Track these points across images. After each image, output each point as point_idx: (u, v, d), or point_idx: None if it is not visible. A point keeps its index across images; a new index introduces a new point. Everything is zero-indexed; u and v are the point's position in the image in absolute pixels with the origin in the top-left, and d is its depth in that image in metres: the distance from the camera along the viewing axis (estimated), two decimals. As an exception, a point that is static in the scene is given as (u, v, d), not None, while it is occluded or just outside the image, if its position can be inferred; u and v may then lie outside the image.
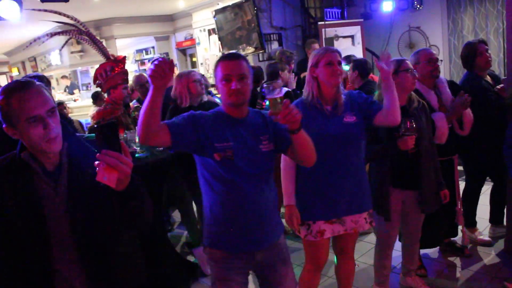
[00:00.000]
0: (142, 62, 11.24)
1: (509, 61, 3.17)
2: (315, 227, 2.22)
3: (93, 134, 2.93)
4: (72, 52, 9.29)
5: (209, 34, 8.14)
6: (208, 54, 8.36)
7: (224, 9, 7.14)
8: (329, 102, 2.20)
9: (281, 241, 1.97)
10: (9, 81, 14.34)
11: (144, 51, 11.26)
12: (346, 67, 3.80)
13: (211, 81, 7.75)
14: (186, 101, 3.15)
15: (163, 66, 1.49)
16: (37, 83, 1.37)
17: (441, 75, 3.03)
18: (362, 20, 6.78)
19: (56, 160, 1.42)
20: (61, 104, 5.69)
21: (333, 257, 2.53)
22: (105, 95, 3.42)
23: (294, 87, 4.32)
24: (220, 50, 7.71)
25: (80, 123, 5.33)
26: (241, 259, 1.88)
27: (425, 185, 2.52)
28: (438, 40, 6.60)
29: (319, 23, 6.65)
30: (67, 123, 3.67)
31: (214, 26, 7.54)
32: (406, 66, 2.47)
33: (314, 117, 2.17)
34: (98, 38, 3.50)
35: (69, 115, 6.09)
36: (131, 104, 3.90)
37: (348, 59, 4.10)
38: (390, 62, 2.15)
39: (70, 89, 10.85)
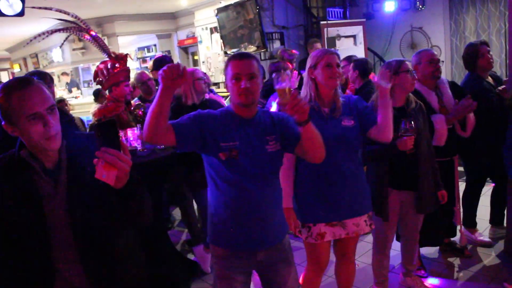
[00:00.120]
0: (144, 60, 11.24)
1: (511, 62, 3.17)
2: (315, 230, 2.22)
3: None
4: (74, 49, 9.29)
5: (211, 32, 8.14)
6: (210, 52, 8.36)
7: (226, 7, 7.14)
8: (327, 104, 2.20)
9: (285, 241, 1.97)
10: (11, 77, 14.35)
11: (146, 49, 11.25)
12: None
13: (213, 79, 7.77)
14: (191, 99, 3.13)
15: (175, 69, 1.48)
16: (37, 80, 1.37)
17: (443, 76, 3.03)
18: (364, 20, 6.78)
19: (56, 158, 1.41)
20: (62, 101, 5.68)
21: (333, 257, 2.53)
22: (107, 92, 3.42)
23: (297, 86, 4.32)
24: (222, 49, 7.71)
25: (82, 121, 5.32)
26: (243, 258, 1.88)
27: (422, 185, 2.53)
28: (440, 41, 6.59)
29: (321, 22, 6.64)
30: (68, 121, 3.67)
31: (216, 24, 7.54)
32: (406, 67, 2.48)
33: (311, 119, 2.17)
34: (100, 35, 3.50)
35: (70, 112, 6.09)
36: (132, 101, 3.90)
37: (349, 59, 4.10)
38: (388, 80, 2.14)
39: (69, 87, 10.81)
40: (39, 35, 3.34)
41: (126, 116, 3.39)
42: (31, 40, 3.65)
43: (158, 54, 9.23)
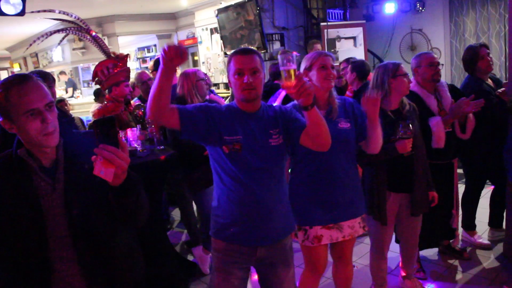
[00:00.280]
0: (143, 60, 11.25)
1: (511, 65, 3.17)
2: (312, 232, 2.21)
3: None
4: (74, 49, 9.30)
5: (211, 33, 8.15)
6: (210, 53, 8.36)
7: (226, 8, 7.14)
8: (322, 107, 2.18)
9: (287, 241, 1.97)
10: (10, 77, 14.34)
11: (146, 49, 11.27)
12: None
13: (213, 80, 7.77)
14: (194, 100, 3.13)
15: (174, 49, 1.48)
16: (35, 77, 1.37)
17: (442, 79, 3.03)
18: (364, 21, 6.79)
19: (53, 156, 1.41)
20: (62, 101, 5.67)
21: (332, 258, 2.53)
22: (106, 92, 3.42)
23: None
24: (222, 49, 7.71)
25: (81, 120, 5.31)
26: (242, 253, 1.89)
27: (418, 187, 2.54)
28: (440, 43, 6.60)
29: (322, 24, 6.65)
30: (68, 121, 3.67)
31: (216, 25, 7.55)
32: (403, 70, 2.50)
33: None
34: (100, 35, 3.50)
35: (70, 112, 6.08)
36: (132, 102, 3.90)
37: (349, 61, 4.10)
38: (377, 103, 2.13)
39: (66, 86, 10.74)
40: (39, 38, 3.35)
41: (126, 116, 3.40)
42: (30, 45, 3.66)
43: (158, 54, 9.23)
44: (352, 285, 2.53)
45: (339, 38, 6.62)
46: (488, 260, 3.25)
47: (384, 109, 2.47)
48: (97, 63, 3.39)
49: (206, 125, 1.76)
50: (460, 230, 3.47)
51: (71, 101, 8.43)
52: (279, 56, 1.61)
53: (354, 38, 6.65)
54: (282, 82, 1.61)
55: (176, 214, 4.66)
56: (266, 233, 1.86)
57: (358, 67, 3.79)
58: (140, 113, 3.37)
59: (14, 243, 1.36)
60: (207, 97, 3.33)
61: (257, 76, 1.77)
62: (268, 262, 1.93)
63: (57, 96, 7.04)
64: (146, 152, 3.02)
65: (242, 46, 6.82)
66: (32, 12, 3.26)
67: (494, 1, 6.01)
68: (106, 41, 5.30)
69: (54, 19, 3.38)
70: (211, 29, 8.14)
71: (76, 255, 1.41)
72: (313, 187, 2.19)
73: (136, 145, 3.04)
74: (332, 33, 6.51)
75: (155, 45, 10.50)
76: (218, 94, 4.70)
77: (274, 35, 7.05)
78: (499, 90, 3.23)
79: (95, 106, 4.92)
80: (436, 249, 3.35)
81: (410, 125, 2.37)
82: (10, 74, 14.24)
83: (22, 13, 4.14)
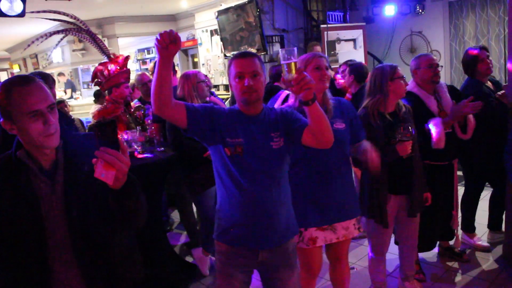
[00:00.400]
0: (143, 62, 11.25)
1: (510, 67, 3.18)
2: (307, 234, 2.21)
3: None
4: (74, 50, 9.29)
5: (211, 35, 8.16)
6: (210, 55, 8.37)
7: (226, 10, 7.15)
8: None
9: (289, 245, 1.96)
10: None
11: (145, 51, 11.28)
12: None
13: (212, 81, 7.77)
14: (195, 101, 3.13)
15: (167, 36, 1.50)
16: (38, 79, 1.38)
17: (442, 80, 3.04)
18: (364, 24, 6.80)
19: (52, 158, 1.41)
20: (61, 102, 5.67)
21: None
22: (106, 93, 3.42)
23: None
24: (222, 51, 7.72)
25: (81, 122, 5.32)
26: (244, 256, 1.89)
27: (417, 188, 2.56)
28: (440, 45, 6.61)
29: (322, 26, 6.65)
30: (68, 123, 3.67)
31: (216, 27, 7.55)
32: (399, 73, 2.52)
33: None
34: (100, 36, 3.50)
35: (70, 113, 6.08)
36: (132, 103, 3.90)
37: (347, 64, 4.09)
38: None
39: (65, 88, 10.70)
40: (38, 39, 3.35)
41: (126, 118, 3.40)
42: (28, 45, 3.66)
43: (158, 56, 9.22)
44: (350, 287, 2.53)
45: (339, 40, 6.62)
46: (488, 262, 3.26)
47: (382, 112, 2.48)
48: (97, 64, 3.39)
49: (210, 124, 1.78)
50: (460, 232, 3.47)
51: (70, 102, 8.43)
52: (280, 51, 1.63)
53: (354, 40, 6.66)
54: (284, 76, 1.61)
55: (175, 215, 4.66)
56: (268, 236, 1.86)
57: (356, 69, 3.78)
58: (140, 114, 3.38)
59: (13, 244, 1.36)
60: (207, 98, 3.33)
61: (258, 79, 1.78)
62: (271, 265, 1.93)
63: (57, 97, 7.05)
64: (146, 154, 3.02)
65: (242, 48, 6.89)
66: (32, 12, 3.26)
67: (494, 4, 6.02)
68: (106, 43, 5.29)
69: (54, 19, 3.38)
70: (211, 31, 8.14)
71: (75, 257, 1.41)
72: (308, 188, 2.19)
73: (136, 147, 3.04)
74: (332, 35, 6.51)
75: (155, 47, 10.50)
76: (218, 96, 4.70)
77: (274, 37, 7.05)
78: (499, 93, 3.24)
79: (94, 108, 4.93)
80: (435, 251, 3.35)
81: (410, 127, 2.38)
82: (9, 75, 14.25)
83: (22, 14, 4.14)
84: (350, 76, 3.79)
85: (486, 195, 3.59)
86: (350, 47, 6.66)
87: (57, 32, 3.35)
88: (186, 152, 3.07)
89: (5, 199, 1.35)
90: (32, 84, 1.34)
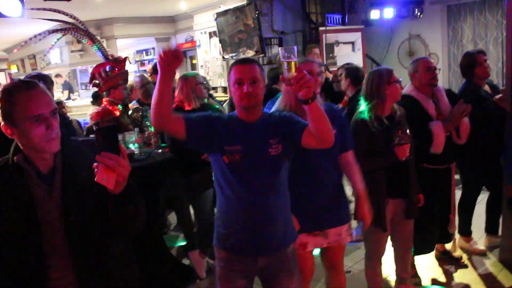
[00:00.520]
0: (142, 63, 11.24)
1: (508, 71, 3.19)
2: (297, 240, 2.17)
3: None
4: (72, 51, 9.29)
5: (210, 36, 8.15)
6: (208, 56, 8.37)
7: (225, 12, 7.15)
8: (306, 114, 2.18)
9: (289, 251, 1.96)
10: (8, 78, 14.30)
11: (144, 52, 11.27)
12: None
13: (211, 83, 7.77)
14: (193, 103, 3.12)
15: (169, 54, 1.51)
16: (41, 84, 1.38)
17: (440, 84, 3.04)
18: (363, 26, 6.81)
19: (51, 163, 1.41)
20: (59, 104, 5.66)
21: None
22: (104, 94, 3.41)
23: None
24: (220, 53, 7.72)
25: (79, 123, 5.31)
26: (244, 263, 1.90)
27: (413, 190, 2.58)
28: (438, 49, 6.62)
29: (320, 28, 6.66)
30: (66, 124, 3.66)
31: (215, 28, 7.55)
32: (395, 77, 2.53)
33: None
34: (98, 38, 3.49)
35: (67, 114, 6.06)
36: (130, 104, 3.90)
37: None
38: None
39: (62, 89, 10.67)
40: (35, 36, 3.34)
41: (124, 120, 3.40)
42: (22, 45, 3.65)
43: (156, 57, 9.22)
44: (348, 291, 2.53)
45: (337, 42, 6.63)
46: (484, 266, 3.26)
47: (380, 116, 2.48)
48: (95, 65, 3.38)
49: (209, 134, 1.80)
50: (457, 236, 3.47)
51: (68, 103, 8.42)
52: (280, 49, 1.64)
53: (352, 43, 6.67)
54: (284, 75, 1.62)
55: (172, 217, 4.65)
56: (266, 242, 1.87)
57: (352, 73, 3.76)
58: (138, 116, 3.37)
59: (10, 250, 1.35)
60: (205, 100, 3.33)
61: (257, 86, 1.78)
62: (270, 271, 1.93)
63: (55, 98, 7.02)
64: (143, 156, 3.02)
65: (241, 50, 6.89)
66: (32, 9, 3.24)
67: (492, 8, 6.04)
68: (104, 44, 5.28)
69: (52, 20, 3.36)
70: (209, 33, 8.14)
71: (73, 263, 1.41)
72: (298, 194, 2.15)
73: (133, 149, 3.04)
74: (330, 37, 6.52)
75: (153, 48, 10.49)
76: (217, 98, 4.70)
77: (272, 39, 7.05)
78: (497, 97, 3.25)
79: (92, 109, 4.92)
80: (432, 255, 3.35)
81: (408, 131, 2.38)
82: (7, 76, 14.22)
83: (20, 14, 4.13)
84: (346, 79, 3.77)
85: (483, 198, 3.60)
86: (348, 49, 6.67)
87: (55, 31, 3.34)
88: (184, 154, 3.07)
89: (2, 203, 1.34)
90: (36, 89, 1.34)
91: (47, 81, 3.02)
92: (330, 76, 4.88)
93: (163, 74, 1.58)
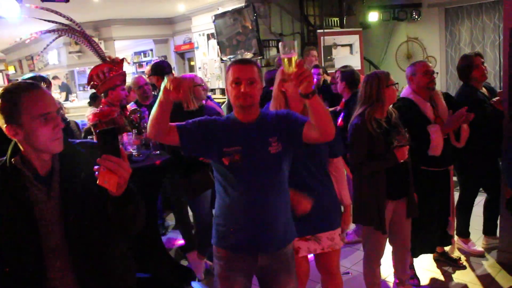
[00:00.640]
0: (140, 65, 11.23)
1: (505, 74, 3.20)
2: None
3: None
4: (70, 52, 9.27)
5: (208, 38, 8.17)
6: (206, 58, 8.38)
7: (223, 14, 7.16)
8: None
9: (287, 251, 1.96)
10: (5, 79, 14.26)
11: (142, 54, 11.26)
12: None
13: (209, 85, 7.77)
14: (191, 105, 3.11)
15: (177, 85, 1.57)
16: (42, 87, 1.40)
17: (437, 87, 3.05)
18: (361, 29, 6.83)
19: (49, 165, 1.41)
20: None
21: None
22: (102, 96, 3.40)
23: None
24: (218, 55, 7.73)
25: (77, 124, 5.29)
26: (244, 261, 1.90)
27: (412, 191, 2.60)
28: (436, 52, 6.65)
29: (318, 31, 6.68)
30: (64, 125, 3.65)
31: (213, 30, 7.57)
32: (392, 80, 2.54)
33: None
34: (96, 39, 3.48)
35: (65, 115, 6.04)
36: (128, 106, 3.89)
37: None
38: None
39: (60, 90, 10.63)
40: (31, 34, 3.33)
41: (122, 121, 3.39)
42: (15, 41, 3.63)
43: (155, 59, 9.23)
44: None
45: (335, 45, 6.64)
46: (482, 267, 3.26)
47: (378, 119, 2.49)
48: (93, 67, 3.37)
49: (205, 140, 1.81)
50: (455, 237, 3.48)
51: (66, 105, 8.40)
52: (280, 44, 1.64)
53: (350, 45, 6.68)
54: (284, 70, 1.62)
55: (170, 219, 4.64)
56: (266, 241, 1.87)
57: (347, 76, 3.72)
58: (136, 117, 3.36)
59: (8, 251, 1.35)
60: (204, 102, 3.33)
61: (254, 86, 1.79)
62: (270, 270, 1.93)
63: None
64: (142, 157, 3.01)
65: (239, 52, 6.90)
66: (29, 5, 3.23)
67: (489, 11, 6.07)
68: (102, 45, 5.28)
69: (49, 21, 3.35)
70: (208, 35, 8.16)
71: (71, 264, 1.40)
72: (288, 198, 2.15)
73: (131, 150, 3.03)
74: (328, 40, 6.54)
75: (151, 50, 10.49)
76: (215, 100, 4.70)
77: (270, 42, 7.07)
78: (494, 99, 3.26)
79: (90, 111, 4.91)
80: (430, 256, 3.36)
81: (406, 132, 2.40)
82: (5, 76, 14.17)
83: (18, 15, 4.13)
84: (341, 82, 3.74)
85: (480, 200, 3.60)
86: (346, 52, 6.68)
87: (51, 31, 3.33)
88: (182, 155, 3.06)
89: (0, 205, 1.34)
90: (40, 90, 1.36)
91: (46, 82, 3.01)
92: (328, 78, 4.88)
93: (164, 100, 1.63)
